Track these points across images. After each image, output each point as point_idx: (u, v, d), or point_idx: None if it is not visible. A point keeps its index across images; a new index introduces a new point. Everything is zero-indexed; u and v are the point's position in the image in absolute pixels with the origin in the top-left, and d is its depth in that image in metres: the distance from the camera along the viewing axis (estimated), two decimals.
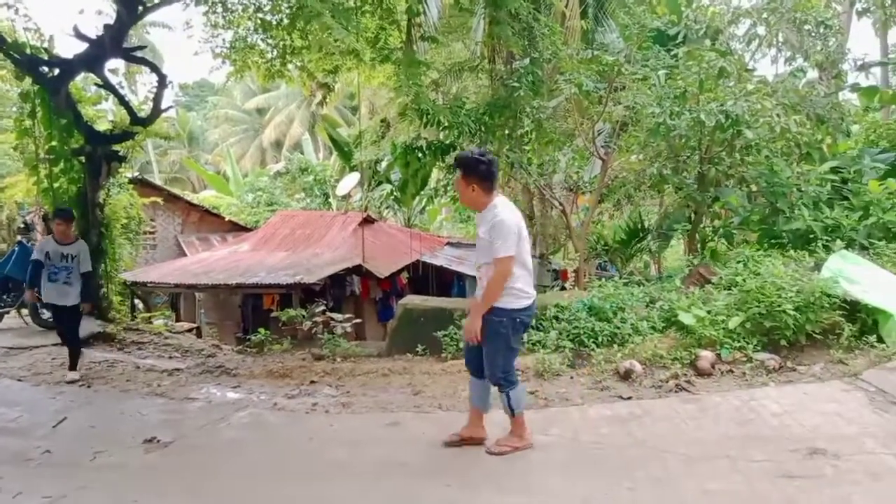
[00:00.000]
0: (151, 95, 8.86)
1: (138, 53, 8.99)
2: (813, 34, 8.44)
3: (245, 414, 5.22)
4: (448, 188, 9.33)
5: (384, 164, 16.61)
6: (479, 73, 9.90)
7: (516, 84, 7.78)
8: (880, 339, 5.43)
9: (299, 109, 36.78)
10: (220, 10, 8.87)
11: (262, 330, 8.01)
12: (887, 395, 4.38)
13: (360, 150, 15.39)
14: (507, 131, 8.62)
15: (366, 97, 22.15)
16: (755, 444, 3.81)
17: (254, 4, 8.67)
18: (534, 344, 6.10)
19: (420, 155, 8.29)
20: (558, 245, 13.36)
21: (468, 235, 15.76)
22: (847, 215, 7.61)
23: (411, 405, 5.19)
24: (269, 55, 9.35)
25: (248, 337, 8.86)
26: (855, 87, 12.99)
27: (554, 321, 6.35)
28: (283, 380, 6.26)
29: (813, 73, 9.21)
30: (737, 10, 8.67)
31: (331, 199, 21.91)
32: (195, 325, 13.61)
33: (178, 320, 14.52)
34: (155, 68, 8.92)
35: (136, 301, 14.49)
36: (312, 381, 6.05)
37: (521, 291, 3.80)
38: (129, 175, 11.49)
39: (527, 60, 8.23)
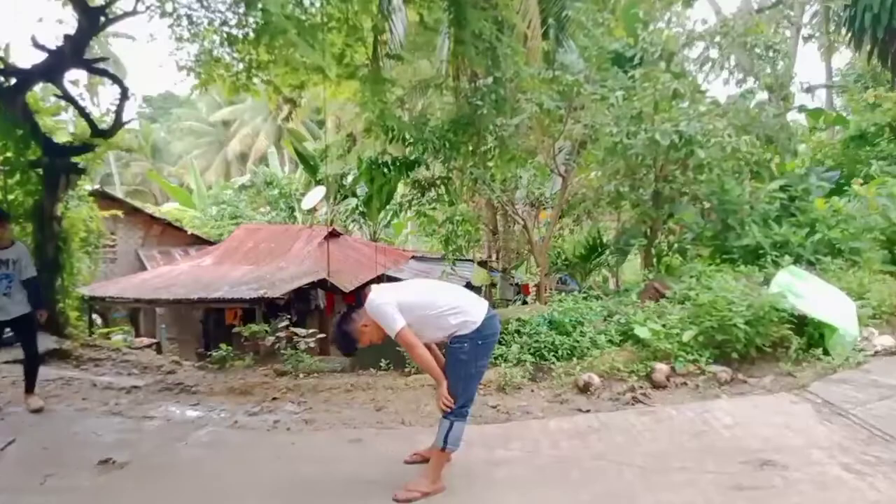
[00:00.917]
0: (113, 107, 8.74)
1: (100, 65, 8.86)
2: (762, 58, 8.80)
3: (204, 432, 5.14)
4: (412, 203, 9.42)
5: (350, 178, 16.61)
6: (443, 91, 10.04)
7: (480, 102, 7.93)
8: (826, 352, 5.68)
9: (265, 122, 36.53)
10: (185, 23, 8.81)
11: (223, 346, 7.91)
12: (833, 406, 4.58)
13: (326, 164, 15.36)
14: (470, 148, 8.75)
15: (332, 112, 22.12)
16: (708, 456, 3.93)
17: (220, 18, 8.64)
18: (496, 358, 6.16)
19: (385, 170, 8.36)
20: (521, 259, 13.55)
21: (433, 249, 15.85)
22: (795, 232, 7.94)
23: (374, 421, 5.20)
24: (235, 69, 9.30)
25: (209, 353, 8.73)
26: (802, 109, 13.59)
27: (515, 335, 6.45)
28: (244, 397, 6.19)
29: (762, 95, 9.60)
30: (691, 34, 8.99)
31: (296, 213, 21.76)
32: (155, 341, 13.32)
33: (137, 336, 14.18)
34: (117, 80, 8.81)
35: (95, 316, 14.13)
36: (274, 398, 6.00)
37: (466, 315, 3.67)
38: (89, 187, 11.27)
39: (490, 79, 8.39)
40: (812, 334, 5.90)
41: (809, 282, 6.44)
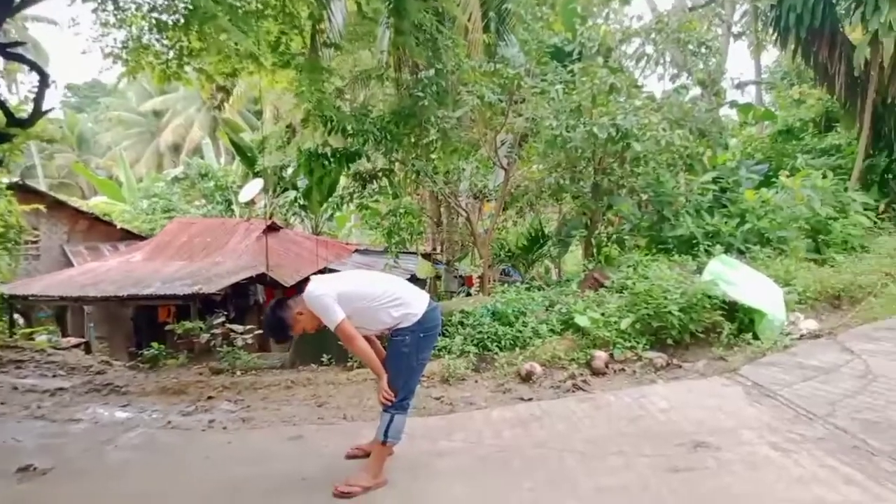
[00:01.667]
0: (32, 95, 8.20)
1: (17, 50, 8.31)
2: (695, 54, 9.08)
3: (135, 434, 4.93)
4: (354, 196, 9.28)
5: (290, 170, 16.23)
6: (385, 82, 9.91)
7: (421, 94, 7.86)
8: (755, 337, 5.93)
9: (199, 112, 35.29)
10: (110, 7, 8.35)
11: (155, 344, 7.59)
12: (762, 388, 4.76)
13: (263, 155, 14.95)
14: (412, 140, 8.67)
15: (270, 102, 21.54)
16: (645, 440, 4.02)
17: (148, 3, 8.23)
18: (440, 350, 6.17)
19: (325, 162, 8.19)
20: (465, 252, 13.59)
21: (376, 242, 15.70)
22: (726, 222, 8.25)
23: (315, 417, 5.10)
24: (165, 56, 8.89)
25: (141, 352, 8.37)
26: (733, 104, 14.14)
27: (459, 327, 6.46)
28: (177, 396, 5.97)
29: (696, 91, 9.93)
30: (627, 30, 9.19)
31: (234, 206, 21.13)
32: (84, 341, 12.68)
33: (64, 336, 13.46)
34: (35, 66, 8.27)
35: (17, 316, 13.34)
36: (210, 397, 5.81)
37: (408, 307, 3.61)
38: (7, 180, 10.60)
39: (432, 71, 8.33)
40: (742, 320, 6.15)
41: (739, 270, 6.70)
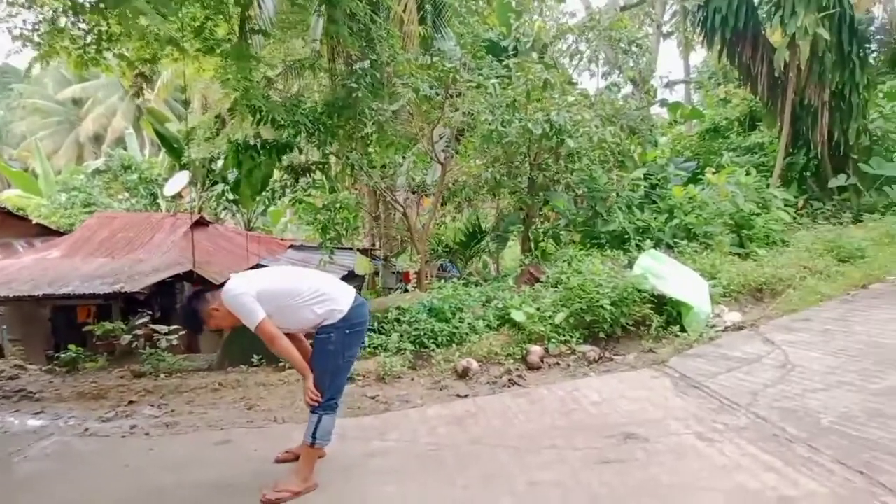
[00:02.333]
0: None
1: None
2: (626, 52, 9.27)
3: (48, 443, 4.63)
4: (286, 189, 9.01)
5: (220, 162, 15.63)
6: (317, 72, 9.66)
7: (354, 85, 7.69)
8: (683, 329, 6.10)
9: (122, 101, 33.58)
10: None
11: (73, 347, 7.14)
12: (689, 379, 4.90)
13: (190, 146, 14.33)
14: (347, 132, 8.48)
15: (199, 90, 20.70)
16: (578, 433, 4.06)
17: None
18: (375, 348, 6.08)
19: (254, 154, 7.90)
20: (403, 247, 13.47)
21: (312, 238, 15.36)
22: (655, 217, 8.48)
23: (244, 420, 4.92)
24: (83, 41, 8.34)
25: (58, 355, 7.86)
26: (664, 103, 14.59)
27: (395, 323, 6.37)
28: (96, 401, 5.64)
29: (628, 89, 10.16)
30: (561, 26, 9.29)
31: (159, 200, 20.21)
32: None
33: None
34: None
35: None
36: (131, 402, 5.51)
37: (332, 303, 3.51)
38: None
39: (367, 63, 8.17)
40: (670, 312, 6.33)
41: (668, 264, 6.89)
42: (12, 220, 16.88)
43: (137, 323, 7.17)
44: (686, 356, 5.50)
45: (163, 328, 6.80)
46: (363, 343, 4.79)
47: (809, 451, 3.45)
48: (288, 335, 3.53)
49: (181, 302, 12.26)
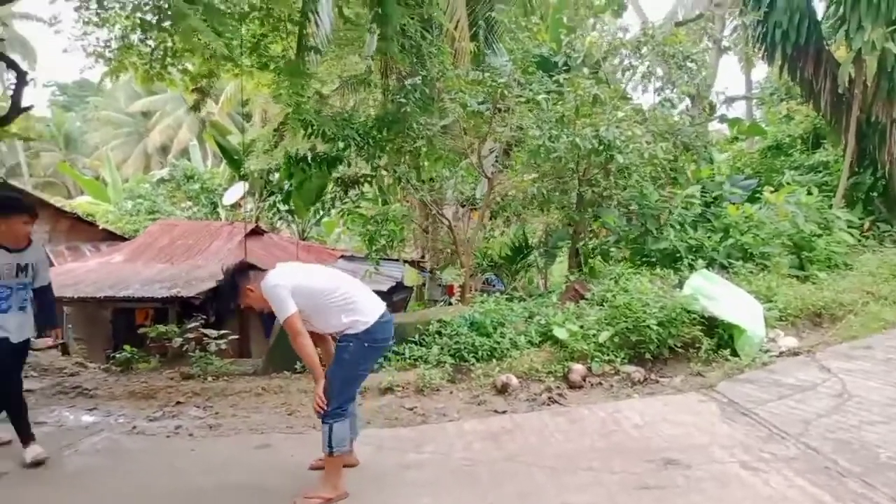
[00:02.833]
0: (10, 92, 8.12)
1: None
2: (681, 67, 9.05)
3: (98, 439, 4.83)
4: (336, 201, 9.19)
5: (277, 174, 16.10)
6: (371, 88, 9.86)
7: (403, 100, 7.80)
8: (734, 353, 5.85)
9: (188, 114, 34.98)
10: (93, 6, 8.26)
11: (127, 347, 7.44)
12: (737, 405, 4.71)
13: (248, 158, 14.82)
14: (396, 146, 8.60)
15: (259, 105, 21.44)
16: (616, 456, 3.96)
17: (132, 3, 8.15)
18: (416, 360, 6.09)
19: (305, 166, 8.10)
20: (450, 260, 13.49)
21: (361, 248, 15.59)
22: (709, 236, 8.22)
23: (284, 426, 5.01)
24: (149, 57, 8.80)
25: (115, 355, 8.21)
26: (723, 119, 14.18)
27: (436, 336, 6.37)
28: (146, 401, 5.84)
29: (685, 104, 9.93)
30: (613, 42, 9.17)
31: (219, 209, 20.95)
32: (61, 342, 12.46)
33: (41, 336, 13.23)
34: (12, 63, 8.16)
35: None
36: (178, 402, 5.69)
37: (359, 313, 3.55)
38: None
39: (418, 78, 8.28)
40: (722, 335, 6.08)
41: (720, 285, 6.65)
42: (82, 226, 17.81)
43: (189, 326, 7.40)
44: (736, 381, 5.29)
45: (213, 332, 7.01)
46: (379, 359, 4.85)
47: (863, 486, 3.25)
48: (316, 336, 3.61)
49: (233, 307, 12.62)
